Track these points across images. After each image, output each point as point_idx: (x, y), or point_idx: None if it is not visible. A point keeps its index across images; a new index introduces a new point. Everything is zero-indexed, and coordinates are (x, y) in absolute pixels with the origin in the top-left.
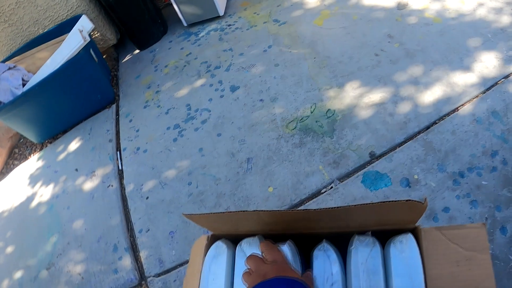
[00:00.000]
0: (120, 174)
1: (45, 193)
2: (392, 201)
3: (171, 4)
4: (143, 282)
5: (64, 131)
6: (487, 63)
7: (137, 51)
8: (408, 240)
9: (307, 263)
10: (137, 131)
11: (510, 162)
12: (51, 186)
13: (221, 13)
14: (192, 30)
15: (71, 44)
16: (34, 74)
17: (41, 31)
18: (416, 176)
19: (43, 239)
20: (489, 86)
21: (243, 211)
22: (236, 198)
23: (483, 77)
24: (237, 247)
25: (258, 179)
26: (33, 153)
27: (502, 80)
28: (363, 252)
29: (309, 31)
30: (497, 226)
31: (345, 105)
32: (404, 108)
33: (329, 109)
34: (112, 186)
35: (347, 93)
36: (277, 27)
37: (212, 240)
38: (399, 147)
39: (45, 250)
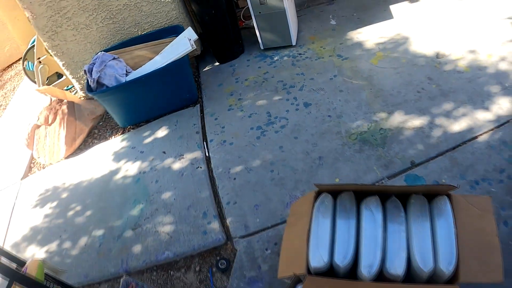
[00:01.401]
0: (208, 160)
1: (130, 168)
2: (438, 185)
3: (246, 28)
4: (229, 242)
5: (147, 121)
6: (503, 105)
7: (217, 63)
8: (443, 200)
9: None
10: (223, 127)
11: None
12: (137, 163)
13: (294, 43)
14: (267, 53)
15: (179, 48)
16: (132, 68)
17: (139, 33)
18: (444, 181)
19: (128, 205)
20: (503, 122)
21: (349, 184)
22: (310, 184)
23: (498, 116)
24: (338, 198)
25: (327, 172)
26: (114, 135)
27: None
28: (417, 203)
29: (366, 67)
30: (500, 220)
31: (394, 126)
32: (437, 132)
33: (381, 128)
34: (200, 167)
35: (395, 118)
36: (340, 60)
37: (317, 193)
38: (432, 159)
39: (131, 214)
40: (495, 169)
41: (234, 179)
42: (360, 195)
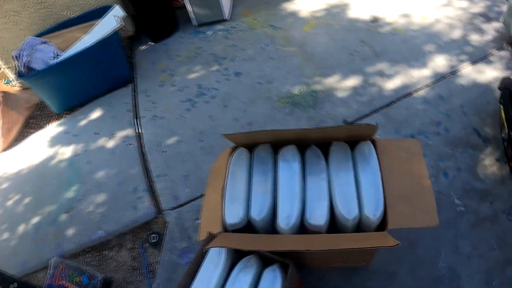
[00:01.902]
0: (139, 136)
1: (65, 152)
2: (357, 124)
3: (182, 7)
4: (159, 215)
5: (81, 105)
6: (438, 63)
7: (151, 43)
8: (367, 144)
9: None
10: (154, 103)
11: (450, 130)
12: (71, 146)
13: (226, 17)
14: (201, 29)
15: (106, 26)
16: (63, 51)
17: (71, 16)
18: (378, 136)
19: (63, 189)
20: (438, 78)
21: (263, 130)
22: None
23: (434, 72)
24: (254, 150)
25: None
26: (50, 123)
27: (449, 75)
28: (339, 150)
29: (299, 35)
30: (440, 172)
31: (325, 88)
32: (371, 91)
33: (313, 90)
34: (132, 144)
35: (327, 80)
36: (273, 31)
37: (234, 148)
38: (366, 117)
39: (65, 198)
40: (431, 123)
41: (165, 152)
42: (279, 146)
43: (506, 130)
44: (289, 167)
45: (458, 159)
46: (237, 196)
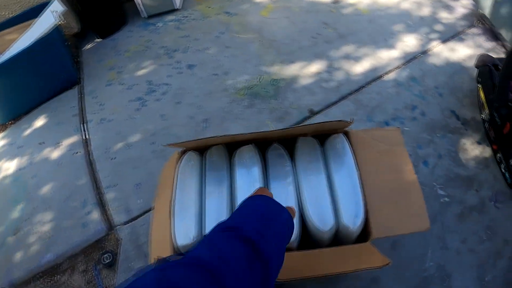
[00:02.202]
0: (87, 142)
1: (10, 167)
2: (328, 121)
3: (130, 0)
4: (111, 231)
5: (27, 112)
6: (408, 43)
7: (99, 40)
8: (340, 138)
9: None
10: (102, 105)
11: (427, 114)
12: (16, 160)
13: (177, 6)
14: (151, 21)
15: (44, 23)
16: (1, 54)
17: (9, 15)
18: (351, 127)
19: (9, 208)
20: (409, 59)
21: (216, 136)
22: None
23: (404, 53)
24: (206, 154)
25: (215, 134)
26: None
27: (420, 55)
28: (306, 147)
29: (256, 20)
30: (420, 160)
31: (287, 75)
32: (337, 76)
33: (273, 79)
34: (78, 153)
35: (289, 66)
36: (228, 17)
37: (182, 153)
38: (334, 104)
39: (11, 218)
40: (406, 107)
41: (114, 158)
42: (236, 146)
43: (487, 111)
44: (247, 173)
45: (437, 145)
46: (187, 212)
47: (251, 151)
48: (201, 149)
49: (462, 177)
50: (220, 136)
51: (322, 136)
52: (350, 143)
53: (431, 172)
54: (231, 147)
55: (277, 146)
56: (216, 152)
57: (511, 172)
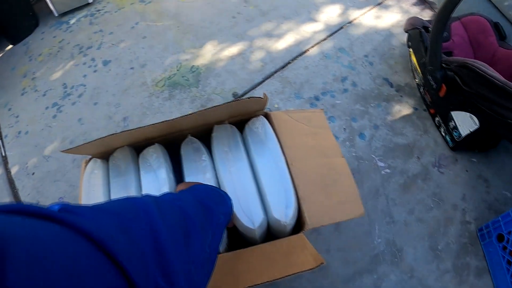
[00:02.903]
0: (5, 160)
1: None
2: (240, 99)
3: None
4: None
5: None
6: (333, 14)
7: (10, 46)
8: (260, 120)
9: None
10: (17, 117)
11: (358, 84)
12: None
13: (90, 0)
14: (63, 19)
15: None
16: None
17: None
18: (276, 105)
19: None
20: (335, 30)
21: (115, 133)
22: None
23: (329, 24)
24: (109, 159)
25: None
26: None
27: (347, 24)
28: (223, 135)
29: (172, 6)
30: (355, 133)
31: (207, 60)
32: (261, 55)
33: (193, 65)
34: None
35: (209, 50)
36: (143, 6)
37: (89, 161)
38: (259, 85)
39: None
40: (335, 79)
41: (33, 174)
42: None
43: (420, 75)
44: (154, 177)
45: (372, 115)
46: None
47: (157, 151)
48: (109, 153)
49: (401, 146)
50: (122, 132)
51: (242, 124)
52: (273, 126)
53: (368, 145)
54: (142, 148)
55: (192, 139)
56: (120, 155)
57: (452, 135)
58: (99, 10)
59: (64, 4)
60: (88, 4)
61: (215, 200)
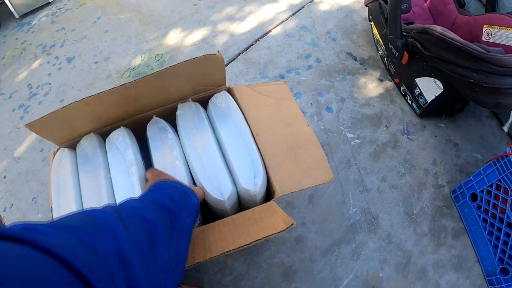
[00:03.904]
0: None
1: None
2: (193, 58)
3: (0, 3)
4: None
5: None
6: None
7: None
8: (223, 95)
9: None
10: None
11: (322, 60)
12: None
13: None
14: (24, 21)
15: None
16: None
17: None
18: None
19: None
20: (297, 10)
21: (75, 101)
22: None
23: (291, 4)
24: (76, 147)
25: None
26: None
27: (309, 3)
28: (187, 112)
29: None
30: (322, 107)
31: (171, 48)
32: (223, 39)
33: (157, 54)
34: None
35: (172, 38)
36: (104, 0)
37: (56, 152)
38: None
39: None
40: (299, 57)
41: (4, 177)
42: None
43: (383, 46)
44: (121, 159)
45: (338, 89)
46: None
47: (123, 134)
48: (76, 142)
49: (369, 116)
50: (80, 100)
51: (206, 101)
52: (236, 100)
53: (336, 117)
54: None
55: (157, 120)
56: (86, 142)
57: (418, 102)
58: (60, 9)
59: (25, 5)
60: (49, 4)
61: (179, 201)
